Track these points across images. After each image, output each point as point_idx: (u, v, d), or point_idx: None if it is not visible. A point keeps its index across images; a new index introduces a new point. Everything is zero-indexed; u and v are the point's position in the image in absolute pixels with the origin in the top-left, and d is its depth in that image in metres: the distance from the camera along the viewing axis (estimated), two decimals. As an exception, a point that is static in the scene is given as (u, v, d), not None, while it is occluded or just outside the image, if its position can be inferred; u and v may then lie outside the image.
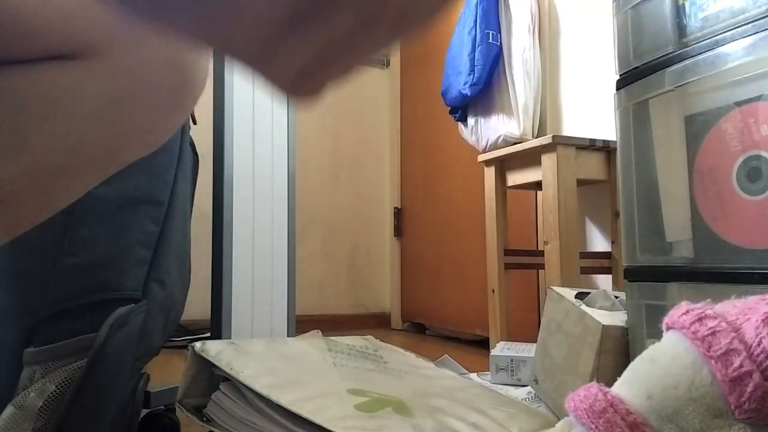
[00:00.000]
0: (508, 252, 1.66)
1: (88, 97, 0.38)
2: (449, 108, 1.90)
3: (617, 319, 0.83)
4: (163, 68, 0.41)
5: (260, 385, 0.68)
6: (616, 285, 1.49)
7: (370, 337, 1.00)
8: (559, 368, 0.90)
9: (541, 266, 1.51)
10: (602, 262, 1.55)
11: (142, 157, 0.43)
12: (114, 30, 0.38)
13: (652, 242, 0.80)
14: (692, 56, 0.74)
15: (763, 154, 0.66)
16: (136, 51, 0.39)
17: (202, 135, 1.18)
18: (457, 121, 1.90)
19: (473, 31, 1.74)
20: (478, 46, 1.72)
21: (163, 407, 0.92)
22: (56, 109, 0.37)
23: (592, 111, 1.68)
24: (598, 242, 1.67)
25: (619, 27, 0.87)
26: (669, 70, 0.77)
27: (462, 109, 1.86)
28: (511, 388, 1.11)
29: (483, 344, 1.95)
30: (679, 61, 0.76)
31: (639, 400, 0.43)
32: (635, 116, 0.83)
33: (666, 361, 0.44)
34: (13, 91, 0.36)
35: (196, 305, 1.41)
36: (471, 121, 1.85)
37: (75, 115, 0.37)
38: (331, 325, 2.48)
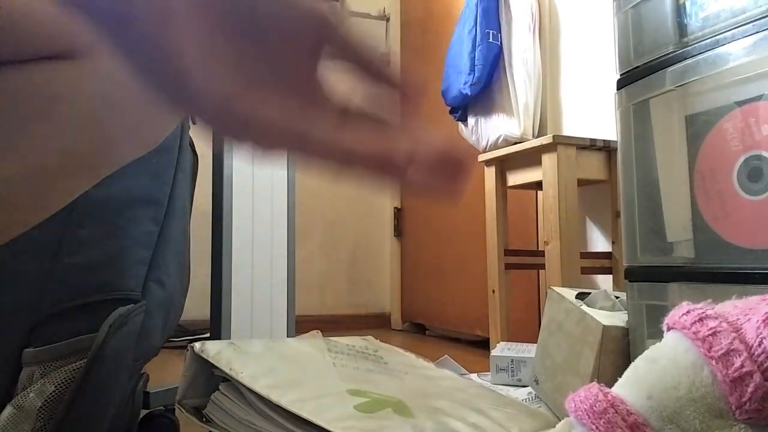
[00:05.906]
0: (508, 252, 1.66)
1: (81, 97, 0.37)
2: (449, 107, 1.90)
3: (618, 319, 0.83)
4: None
5: (260, 385, 0.68)
6: (616, 285, 1.49)
7: (369, 337, 1.00)
8: (559, 369, 0.90)
9: (542, 266, 1.51)
10: (603, 262, 1.55)
11: (138, 156, 0.43)
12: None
13: (653, 242, 0.80)
14: (693, 56, 0.74)
15: (764, 153, 0.66)
16: None
17: (201, 135, 1.17)
18: (457, 120, 1.90)
19: (473, 30, 1.74)
20: (479, 45, 1.72)
21: (162, 407, 0.92)
22: (50, 109, 0.37)
23: (592, 111, 1.68)
24: (599, 242, 1.67)
25: (619, 27, 0.87)
26: (669, 69, 0.77)
27: (462, 108, 1.86)
28: (512, 389, 1.10)
29: (483, 345, 1.95)
30: (679, 61, 0.76)
31: (639, 400, 0.43)
32: (636, 116, 0.83)
33: (666, 362, 0.44)
34: (6, 92, 0.35)
35: (196, 305, 1.41)
36: (471, 120, 1.85)
37: (69, 115, 0.37)
38: (331, 325, 2.47)
